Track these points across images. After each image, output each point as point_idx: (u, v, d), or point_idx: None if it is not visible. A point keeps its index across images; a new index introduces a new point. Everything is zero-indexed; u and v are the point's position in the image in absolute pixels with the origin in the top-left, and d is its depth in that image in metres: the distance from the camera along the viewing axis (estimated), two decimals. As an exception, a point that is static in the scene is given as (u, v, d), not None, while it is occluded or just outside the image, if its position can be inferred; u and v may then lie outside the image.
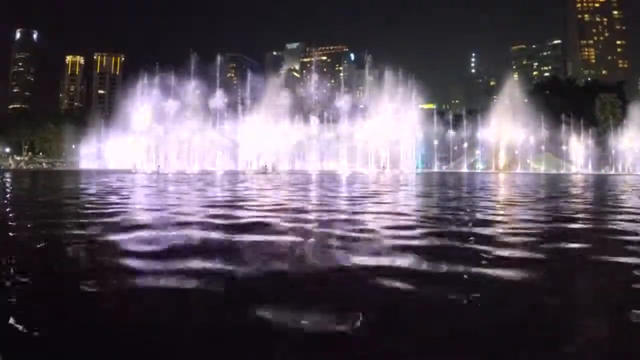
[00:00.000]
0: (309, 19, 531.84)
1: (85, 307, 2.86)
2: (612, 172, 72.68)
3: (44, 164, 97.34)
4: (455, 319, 2.65)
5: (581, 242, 5.38)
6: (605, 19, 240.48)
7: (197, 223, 6.71)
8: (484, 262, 4.05)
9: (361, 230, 6.04)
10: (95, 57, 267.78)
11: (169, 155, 77.55)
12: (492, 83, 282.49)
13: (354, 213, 8.49)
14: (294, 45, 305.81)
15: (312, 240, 5.30)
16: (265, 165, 74.84)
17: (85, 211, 8.59)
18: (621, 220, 7.67)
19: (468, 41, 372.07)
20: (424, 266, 3.88)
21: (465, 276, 3.56)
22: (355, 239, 5.26)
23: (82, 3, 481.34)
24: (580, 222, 7.82)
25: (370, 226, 6.59)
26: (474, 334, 2.41)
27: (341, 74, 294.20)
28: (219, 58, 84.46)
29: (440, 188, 19.52)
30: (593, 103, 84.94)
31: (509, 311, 2.83)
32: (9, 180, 26.92)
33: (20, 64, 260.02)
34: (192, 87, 75.94)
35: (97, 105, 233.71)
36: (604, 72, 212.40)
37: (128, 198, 12.24)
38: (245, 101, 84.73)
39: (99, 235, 5.54)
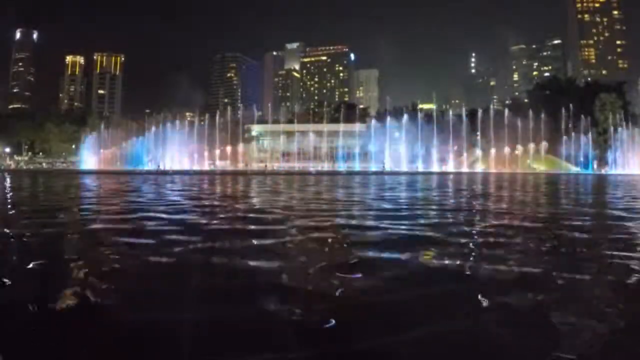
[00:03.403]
0: (309, 19, 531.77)
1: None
2: (613, 172, 72.63)
3: (44, 164, 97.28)
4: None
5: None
6: (605, 19, 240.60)
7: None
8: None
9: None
10: (95, 57, 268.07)
11: (167, 155, 77.65)
12: (492, 83, 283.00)
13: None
14: (294, 45, 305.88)
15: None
16: (265, 165, 75.05)
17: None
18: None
19: (468, 41, 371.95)
20: None
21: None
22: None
23: (82, 3, 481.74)
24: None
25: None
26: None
27: (341, 74, 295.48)
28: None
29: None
30: (593, 103, 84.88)
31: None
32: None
33: (20, 64, 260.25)
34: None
35: (97, 105, 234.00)
36: (604, 72, 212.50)
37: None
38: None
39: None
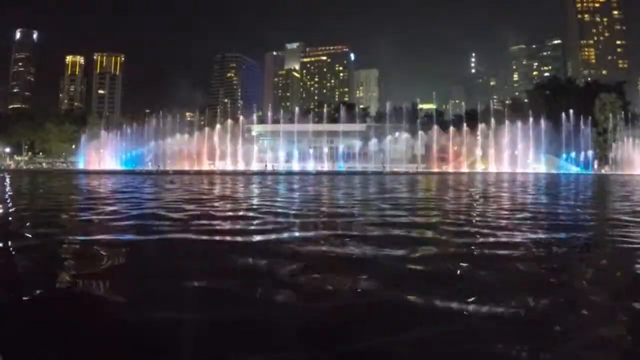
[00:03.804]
0: (309, 19, 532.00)
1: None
2: (613, 172, 72.62)
3: (44, 164, 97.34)
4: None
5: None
6: (605, 19, 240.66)
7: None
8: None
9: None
10: (95, 57, 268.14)
11: (168, 155, 77.71)
12: (492, 83, 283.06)
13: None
14: (294, 45, 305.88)
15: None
16: (266, 165, 75.11)
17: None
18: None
19: (468, 41, 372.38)
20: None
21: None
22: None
23: (82, 3, 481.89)
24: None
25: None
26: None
27: (341, 74, 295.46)
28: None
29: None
30: (593, 103, 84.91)
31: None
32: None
33: (20, 64, 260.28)
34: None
35: (97, 105, 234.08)
36: (604, 72, 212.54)
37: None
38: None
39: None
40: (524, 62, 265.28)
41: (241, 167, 76.04)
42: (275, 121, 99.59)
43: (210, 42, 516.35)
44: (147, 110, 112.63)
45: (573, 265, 4.21)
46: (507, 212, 8.84)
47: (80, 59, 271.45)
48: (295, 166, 76.96)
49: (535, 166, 77.88)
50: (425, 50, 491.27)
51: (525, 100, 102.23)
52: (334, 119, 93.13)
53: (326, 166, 78.05)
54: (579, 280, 3.68)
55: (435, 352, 2.20)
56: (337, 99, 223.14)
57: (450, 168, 77.37)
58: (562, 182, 28.32)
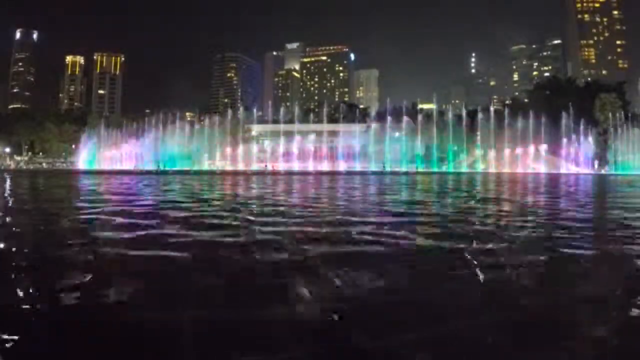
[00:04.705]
0: (309, 19, 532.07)
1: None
2: (613, 172, 72.58)
3: (44, 164, 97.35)
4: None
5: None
6: (605, 19, 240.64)
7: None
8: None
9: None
10: (95, 57, 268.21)
11: (167, 155, 77.66)
12: (492, 83, 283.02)
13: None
14: (294, 45, 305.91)
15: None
16: (265, 165, 75.19)
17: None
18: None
19: (468, 41, 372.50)
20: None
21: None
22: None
23: (82, 3, 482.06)
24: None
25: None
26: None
27: (341, 74, 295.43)
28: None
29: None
30: (593, 103, 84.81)
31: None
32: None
33: (20, 64, 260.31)
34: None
35: (97, 105, 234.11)
36: (604, 72, 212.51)
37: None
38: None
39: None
40: (524, 62, 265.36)
41: (241, 167, 76.03)
42: (275, 121, 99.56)
43: (210, 42, 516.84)
44: (147, 110, 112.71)
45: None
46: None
47: (80, 59, 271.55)
48: (295, 166, 76.87)
49: (535, 166, 77.83)
50: (425, 51, 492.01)
51: (525, 100, 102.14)
52: (334, 119, 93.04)
53: (326, 166, 77.95)
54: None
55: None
56: (337, 99, 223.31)
57: (450, 168, 77.35)
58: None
